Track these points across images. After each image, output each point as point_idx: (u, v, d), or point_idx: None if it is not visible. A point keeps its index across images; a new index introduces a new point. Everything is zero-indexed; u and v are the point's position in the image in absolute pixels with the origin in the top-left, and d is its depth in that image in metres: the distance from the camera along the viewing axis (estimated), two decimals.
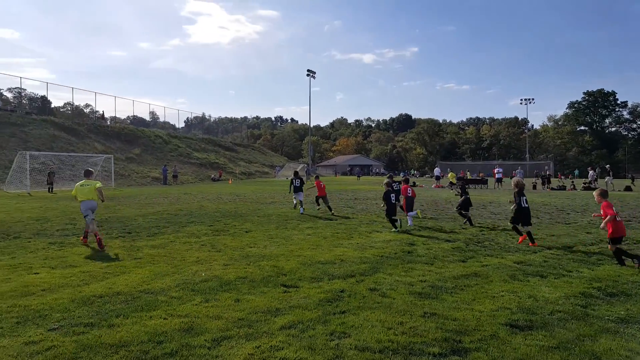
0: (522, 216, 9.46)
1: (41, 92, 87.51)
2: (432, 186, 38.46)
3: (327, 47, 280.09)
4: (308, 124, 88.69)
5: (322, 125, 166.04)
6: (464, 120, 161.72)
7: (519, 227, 9.66)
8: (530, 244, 9.24)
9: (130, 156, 45.85)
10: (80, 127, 47.06)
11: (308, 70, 76.38)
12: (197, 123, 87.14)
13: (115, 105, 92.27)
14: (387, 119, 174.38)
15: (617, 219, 7.54)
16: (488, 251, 8.80)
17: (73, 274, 6.58)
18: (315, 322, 4.73)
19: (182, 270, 6.88)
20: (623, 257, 7.54)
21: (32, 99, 68.03)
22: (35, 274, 6.61)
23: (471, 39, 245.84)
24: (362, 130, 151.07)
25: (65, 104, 77.59)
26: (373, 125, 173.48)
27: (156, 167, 44.53)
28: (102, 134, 48.25)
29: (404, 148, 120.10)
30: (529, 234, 9.40)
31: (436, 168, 44.54)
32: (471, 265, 7.51)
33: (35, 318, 4.70)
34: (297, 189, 16.06)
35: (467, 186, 14.58)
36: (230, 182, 44.66)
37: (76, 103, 73.11)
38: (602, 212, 7.70)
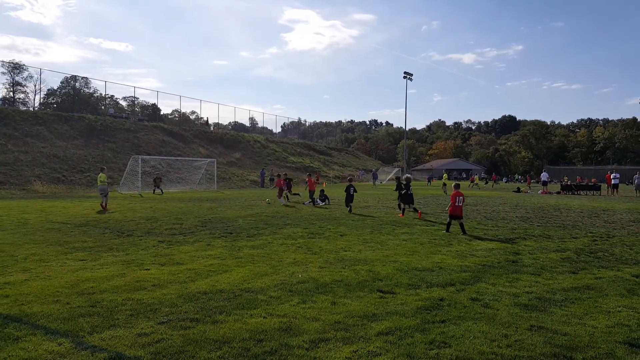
0: None
1: (152, 100, 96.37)
2: (539, 192, 35.69)
3: (424, 48, 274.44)
4: (403, 126, 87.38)
5: (418, 128, 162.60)
6: (574, 121, 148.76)
7: None
8: None
9: (231, 160, 48.66)
10: (187, 132, 51.00)
11: (405, 72, 75.22)
12: (293, 128, 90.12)
13: (218, 111, 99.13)
14: (489, 120, 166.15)
15: None
16: (602, 262, 7.94)
17: (180, 271, 7.00)
18: (414, 330, 4.51)
19: (280, 271, 7.02)
20: None
21: (144, 107, 75.27)
22: (146, 270, 7.11)
23: (583, 34, 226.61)
24: (461, 133, 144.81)
25: (173, 111, 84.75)
26: (473, 127, 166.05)
27: (254, 170, 46.71)
28: (205, 139, 51.84)
29: (507, 151, 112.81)
30: None
31: (543, 173, 41.07)
32: (583, 278, 6.83)
33: (147, 311, 5.03)
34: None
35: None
36: (324, 185, 45.38)
37: (183, 110, 79.61)
38: None
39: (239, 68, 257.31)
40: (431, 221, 14.13)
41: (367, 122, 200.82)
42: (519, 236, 11.08)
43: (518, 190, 37.81)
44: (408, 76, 76.12)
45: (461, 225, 11.63)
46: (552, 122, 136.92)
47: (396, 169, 64.83)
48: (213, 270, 7.08)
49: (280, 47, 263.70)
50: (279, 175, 23.61)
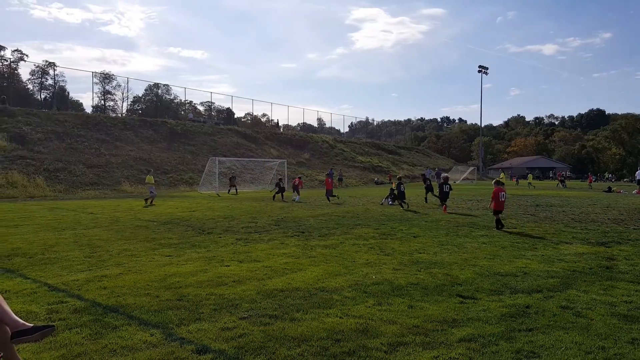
0: None
1: (226, 105, 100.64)
2: (634, 192, 32.69)
3: (499, 40, 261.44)
4: (479, 123, 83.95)
5: (494, 125, 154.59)
6: None
7: None
8: None
9: (300, 160, 49.52)
10: (259, 134, 52.66)
11: (479, 67, 72.49)
12: (361, 127, 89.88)
13: (287, 113, 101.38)
14: (574, 115, 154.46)
15: None
16: None
17: (257, 268, 7.21)
18: (499, 338, 4.29)
19: (353, 272, 7.00)
20: None
21: (219, 111, 78.79)
22: (226, 266, 7.40)
23: None
24: (543, 129, 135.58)
25: (245, 114, 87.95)
26: (556, 122, 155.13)
27: (323, 170, 47.13)
28: (276, 140, 53.20)
29: (596, 148, 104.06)
30: None
31: (638, 171, 37.49)
32: None
33: (229, 307, 5.23)
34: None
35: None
36: (394, 185, 44.76)
37: (255, 113, 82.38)
38: None
39: (307, 70, 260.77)
40: (460, 214, 13.42)
41: (439, 120, 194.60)
42: (612, 240, 10.20)
43: (609, 190, 34.88)
44: (483, 70, 73.07)
45: (498, 219, 12.08)
46: None
47: (471, 168, 62.28)
48: (288, 268, 7.23)
49: (347, 47, 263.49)
50: (280, 179, 26.05)
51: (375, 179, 49.69)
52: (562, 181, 48.65)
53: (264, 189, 34.70)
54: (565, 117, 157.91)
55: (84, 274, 6.80)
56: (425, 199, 21.53)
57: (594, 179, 52.90)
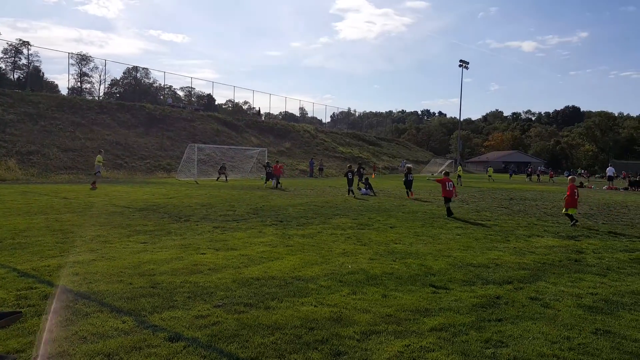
0: None
1: (207, 91, 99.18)
2: (604, 187, 33.66)
3: (481, 35, 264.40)
4: (458, 117, 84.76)
5: (473, 119, 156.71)
6: None
7: None
8: None
9: (281, 149, 49.31)
10: (239, 122, 52.16)
11: (460, 61, 72.90)
12: (343, 118, 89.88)
13: (269, 101, 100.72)
14: (551, 111, 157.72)
15: None
16: None
17: (234, 257, 7.19)
18: (469, 328, 4.39)
19: (330, 261, 7.04)
20: None
21: (200, 97, 77.74)
22: (202, 254, 7.35)
23: None
24: (520, 124, 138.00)
25: (227, 101, 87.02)
26: (533, 118, 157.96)
27: (304, 160, 47.11)
28: (257, 128, 52.80)
29: (570, 144, 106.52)
30: None
31: (609, 167, 38.68)
32: None
33: (203, 294, 5.21)
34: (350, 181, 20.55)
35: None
36: (372, 176, 45.04)
37: (236, 100, 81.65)
38: None
39: (291, 58, 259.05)
40: (423, 200, 13.68)
41: (419, 112, 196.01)
42: (582, 234, 10.50)
43: (581, 185, 35.82)
44: (464, 65, 73.66)
45: (448, 207, 13.53)
46: (620, 113, 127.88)
47: (449, 161, 63.08)
48: (265, 257, 7.22)
49: (331, 37, 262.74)
50: (277, 162, 28.22)
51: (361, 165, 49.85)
52: (529, 175, 50.82)
53: (244, 177, 34.49)
54: (542, 113, 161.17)
55: (55, 259, 6.67)
56: (408, 192, 21.63)
57: (554, 174, 54.81)
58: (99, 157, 22.42)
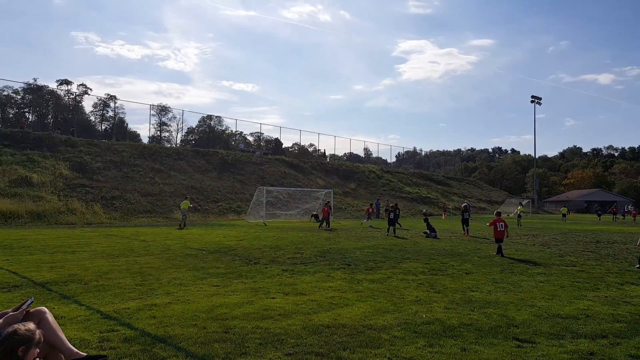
0: None
1: (275, 135, 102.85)
2: None
3: (552, 70, 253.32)
4: (532, 154, 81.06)
5: (549, 156, 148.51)
6: None
7: None
8: None
9: (346, 190, 49.45)
10: (305, 164, 53.27)
11: (532, 97, 70.72)
12: (408, 157, 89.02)
13: (334, 143, 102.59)
14: (635, 146, 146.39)
15: None
16: None
17: (303, 302, 7.11)
18: None
19: (402, 309, 6.75)
20: None
21: (268, 141, 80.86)
22: (272, 298, 7.34)
23: None
24: (602, 161, 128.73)
25: (293, 144, 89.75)
26: (616, 154, 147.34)
27: (369, 200, 46.77)
28: (323, 170, 53.57)
29: None
30: None
31: None
32: None
33: (274, 341, 5.14)
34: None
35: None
36: (443, 217, 43.64)
37: (302, 143, 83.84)
38: None
39: (354, 100, 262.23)
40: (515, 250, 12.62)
41: (490, 150, 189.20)
42: None
43: None
44: (536, 100, 71.20)
45: (499, 247, 13.61)
46: None
47: (526, 200, 59.69)
48: (334, 302, 7.07)
49: (394, 78, 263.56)
50: (326, 204, 28.48)
51: (424, 210, 48.66)
52: (614, 213, 47.09)
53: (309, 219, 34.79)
54: (626, 148, 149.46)
55: (135, 302, 6.96)
56: (467, 230, 22.78)
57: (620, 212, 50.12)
58: (185, 202, 25.52)
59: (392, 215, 21.82)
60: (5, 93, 74.15)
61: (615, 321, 6.20)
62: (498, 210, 15.53)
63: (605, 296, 7.88)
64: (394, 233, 21.29)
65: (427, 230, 20.88)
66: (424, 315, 6.35)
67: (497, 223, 13.78)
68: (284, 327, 5.68)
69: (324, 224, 25.79)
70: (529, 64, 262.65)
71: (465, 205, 24.37)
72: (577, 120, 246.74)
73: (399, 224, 23.60)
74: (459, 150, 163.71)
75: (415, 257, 12.97)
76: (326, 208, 26.70)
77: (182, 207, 25.44)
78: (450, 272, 10.39)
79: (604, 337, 5.47)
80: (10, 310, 3.64)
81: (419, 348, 5.00)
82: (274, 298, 7.36)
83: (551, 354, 4.84)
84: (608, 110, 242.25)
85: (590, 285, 8.87)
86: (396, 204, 24.40)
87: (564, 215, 44.08)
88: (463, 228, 22.52)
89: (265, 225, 27.95)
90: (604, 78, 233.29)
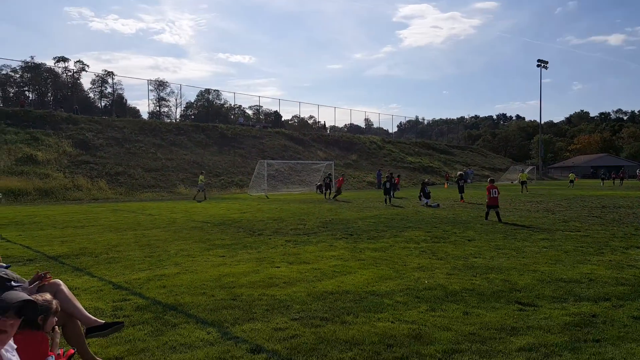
0: None
1: (274, 108, 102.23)
2: None
3: (559, 32, 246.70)
4: (538, 120, 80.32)
5: (555, 121, 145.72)
6: None
7: None
8: None
9: (347, 162, 49.46)
10: (305, 137, 53.14)
11: (538, 61, 69.39)
12: (410, 127, 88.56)
13: (334, 115, 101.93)
14: None
15: None
16: None
17: (307, 270, 7.25)
18: (562, 348, 4.07)
19: (404, 276, 6.88)
20: None
21: (267, 114, 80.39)
22: (277, 267, 7.50)
23: None
24: (610, 125, 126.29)
25: (293, 116, 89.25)
26: (625, 117, 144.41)
27: (371, 171, 46.84)
28: (323, 142, 53.45)
29: None
30: None
31: None
32: None
33: (280, 307, 5.29)
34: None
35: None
36: (445, 186, 43.74)
37: (302, 115, 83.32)
38: None
39: (354, 69, 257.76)
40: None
41: (494, 117, 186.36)
42: None
43: None
44: (542, 64, 69.97)
45: (497, 213, 14.13)
46: None
47: (530, 167, 59.45)
48: (337, 271, 7.21)
49: (395, 45, 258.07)
50: (342, 176, 30.30)
51: (426, 179, 48.66)
52: (621, 178, 47.71)
53: (312, 190, 34.95)
54: (636, 111, 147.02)
55: (145, 273, 7.12)
56: (461, 197, 24.04)
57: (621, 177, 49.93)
58: (201, 177, 26.98)
59: (388, 185, 22.44)
60: (4, 72, 73.54)
61: (618, 284, 6.30)
62: (491, 178, 16.32)
63: (610, 260, 7.98)
64: (390, 202, 22.03)
65: (420, 194, 21.51)
66: (426, 282, 6.48)
67: (491, 190, 14.40)
68: (289, 294, 5.82)
69: (335, 194, 26.81)
70: (535, 27, 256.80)
71: (461, 174, 25.66)
72: (585, 84, 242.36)
73: (393, 195, 24.07)
74: (462, 118, 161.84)
75: (418, 225, 13.10)
76: (341, 179, 27.89)
77: (199, 182, 26.80)
78: (453, 239, 10.52)
79: (606, 300, 5.57)
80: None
81: (422, 312, 5.13)
82: (279, 267, 7.51)
83: (553, 316, 4.96)
84: (617, 73, 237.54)
85: (594, 250, 8.97)
86: (391, 174, 24.84)
87: (571, 181, 44.10)
88: (460, 196, 23.80)
89: (268, 198, 28.11)
90: (615, 39, 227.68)
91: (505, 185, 46.49)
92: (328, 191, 27.92)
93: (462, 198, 23.53)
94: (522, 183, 34.68)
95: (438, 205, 20.14)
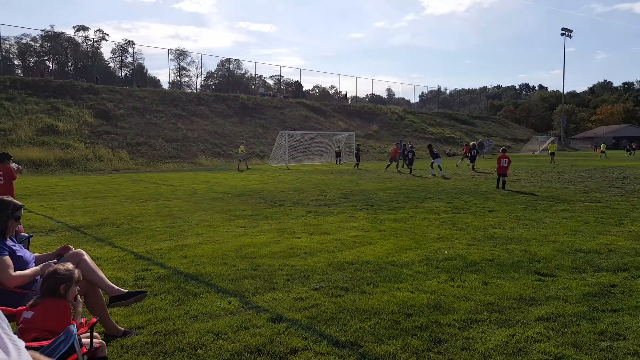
0: None
1: (295, 77, 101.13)
2: None
3: (584, 0, 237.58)
4: (560, 90, 77.91)
5: (578, 92, 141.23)
6: None
7: None
8: None
9: (368, 133, 49.07)
10: (327, 107, 52.70)
11: (562, 29, 66.84)
12: (432, 97, 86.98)
13: (356, 85, 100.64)
14: None
15: None
16: None
17: (327, 241, 7.32)
18: (580, 318, 4.07)
19: (424, 246, 6.90)
20: None
21: (288, 84, 79.71)
22: (297, 238, 7.59)
23: None
24: (634, 95, 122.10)
25: (314, 87, 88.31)
26: None
27: (392, 142, 46.39)
28: (344, 112, 52.98)
29: None
30: None
31: None
32: None
33: (301, 277, 5.38)
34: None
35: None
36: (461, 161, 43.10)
37: (323, 85, 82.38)
38: None
39: (375, 39, 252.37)
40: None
41: (517, 87, 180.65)
42: None
43: None
44: (566, 33, 67.42)
45: (504, 182, 14.91)
46: None
47: (552, 138, 58.15)
48: (358, 241, 7.27)
49: (418, 13, 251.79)
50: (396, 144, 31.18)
51: (447, 150, 48.03)
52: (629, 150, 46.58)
53: (332, 161, 34.91)
54: None
55: (166, 243, 7.30)
56: (473, 166, 25.10)
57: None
58: (241, 147, 27.96)
59: (410, 155, 23.56)
60: (23, 41, 74.02)
61: (637, 255, 6.22)
62: (504, 148, 17.37)
63: (630, 231, 7.85)
64: (410, 172, 22.79)
65: (431, 156, 22.01)
66: (445, 252, 6.49)
67: (502, 159, 15.12)
68: (309, 265, 5.91)
69: (395, 165, 26.44)
70: None
71: (474, 144, 27.03)
72: (609, 53, 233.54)
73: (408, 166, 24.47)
74: (484, 88, 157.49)
75: (438, 196, 13.03)
76: (396, 148, 28.21)
77: (239, 152, 27.79)
78: (473, 210, 10.45)
79: (625, 270, 5.52)
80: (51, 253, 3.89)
81: (441, 282, 5.16)
82: (299, 238, 7.59)
83: (572, 286, 4.94)
84: None
85: (614, 221, 8.83)
86: (411, 145, 26.08)
87: (602, 152, 43.01)
88: (472, 165, 25.01)
89: (289, 168, 28.23)
90: None
91: (527, 156, 45.57)
92: (357, 162, 28.69)
93: (473, 167, 24.66)
94: (552, 154, 34.15)
95: (434, 175, 20.83)
